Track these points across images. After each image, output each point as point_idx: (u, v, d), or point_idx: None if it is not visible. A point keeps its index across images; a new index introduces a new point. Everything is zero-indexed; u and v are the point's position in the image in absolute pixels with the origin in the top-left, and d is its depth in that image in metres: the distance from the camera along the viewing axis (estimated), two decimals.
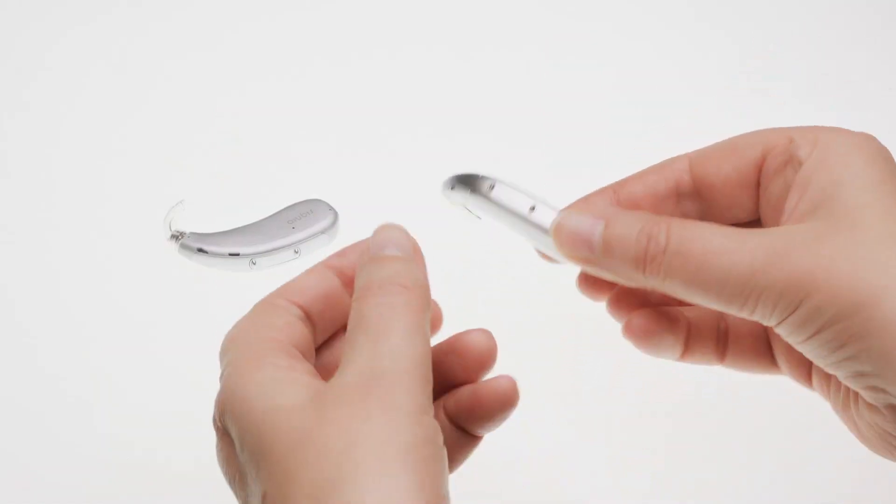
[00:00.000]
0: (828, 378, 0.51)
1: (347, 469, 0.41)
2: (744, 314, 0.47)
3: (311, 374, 0.46)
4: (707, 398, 0.83)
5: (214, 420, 0.47)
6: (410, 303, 0.46)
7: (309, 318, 0.50)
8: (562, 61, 0.96)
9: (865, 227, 0.45)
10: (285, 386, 0.44)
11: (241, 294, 0.86)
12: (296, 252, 0.56)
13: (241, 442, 0.45)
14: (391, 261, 0.47)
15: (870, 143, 0.48)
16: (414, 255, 0.49)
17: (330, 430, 0.42)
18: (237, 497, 0.46)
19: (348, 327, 0.46)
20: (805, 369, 0.52)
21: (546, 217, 0.51)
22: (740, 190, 0.51)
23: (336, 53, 0.96)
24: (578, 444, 0.81)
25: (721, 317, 0.54)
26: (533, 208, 0.51)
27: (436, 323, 0.50)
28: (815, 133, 0.49)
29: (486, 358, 0.50)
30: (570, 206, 0.51)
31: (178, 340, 0.85)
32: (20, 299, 0.86)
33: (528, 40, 0.97)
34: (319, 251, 0.56)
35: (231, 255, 0.55)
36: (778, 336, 0.52)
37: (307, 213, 0.56)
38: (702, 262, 0.46)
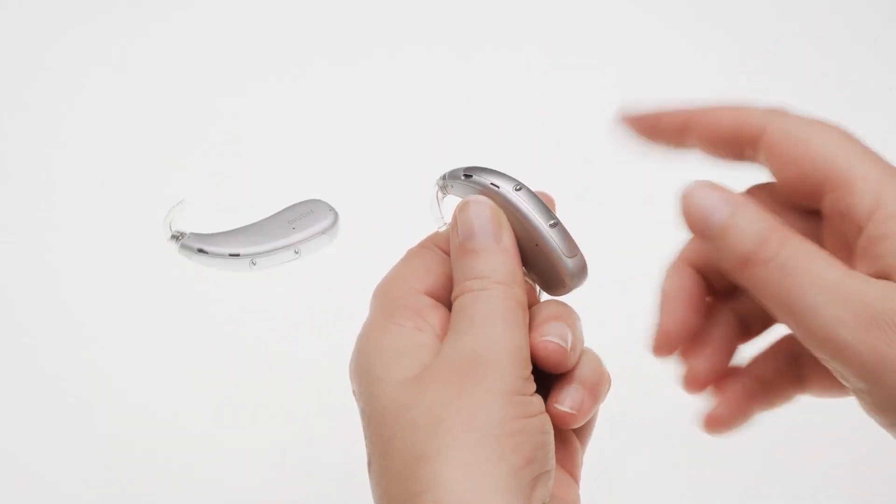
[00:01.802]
0: None
1: (434, 446, 0.45)
2: (824, 359, 0.46)
3: (434, 335, 0.49)
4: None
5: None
6: (507, 296, 0.48)
7: None
8: (562, 61, 0.96)
9: None
10: (402, 355, 0.48)
11: (241, 294, 0.87)
12: (296, 252, 0.55)
13: (359, 405, 0.48)
14: (482, 254, 0.49)
15: None
16: (501, 236, 0.50)
17: (423, 408, 0.46)
18: None
19: (451, 316, 0.49)
20: None
21: (560, 235, 0.50)
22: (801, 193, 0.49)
23: (336, 54, 0.96)
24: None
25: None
26: (555, 224, 0.50)
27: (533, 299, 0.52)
28: (877, 185, 0.47)
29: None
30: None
31: (178, 340, 0.85)
32: (20, 299, 0.86)
33: (528, 40, 0.97)
34: (319, 251, 0.56)
35: (231, 255, 0.55)
36: None
37: (307, 214, 0.56)
38: (798, 287, 0.45)
